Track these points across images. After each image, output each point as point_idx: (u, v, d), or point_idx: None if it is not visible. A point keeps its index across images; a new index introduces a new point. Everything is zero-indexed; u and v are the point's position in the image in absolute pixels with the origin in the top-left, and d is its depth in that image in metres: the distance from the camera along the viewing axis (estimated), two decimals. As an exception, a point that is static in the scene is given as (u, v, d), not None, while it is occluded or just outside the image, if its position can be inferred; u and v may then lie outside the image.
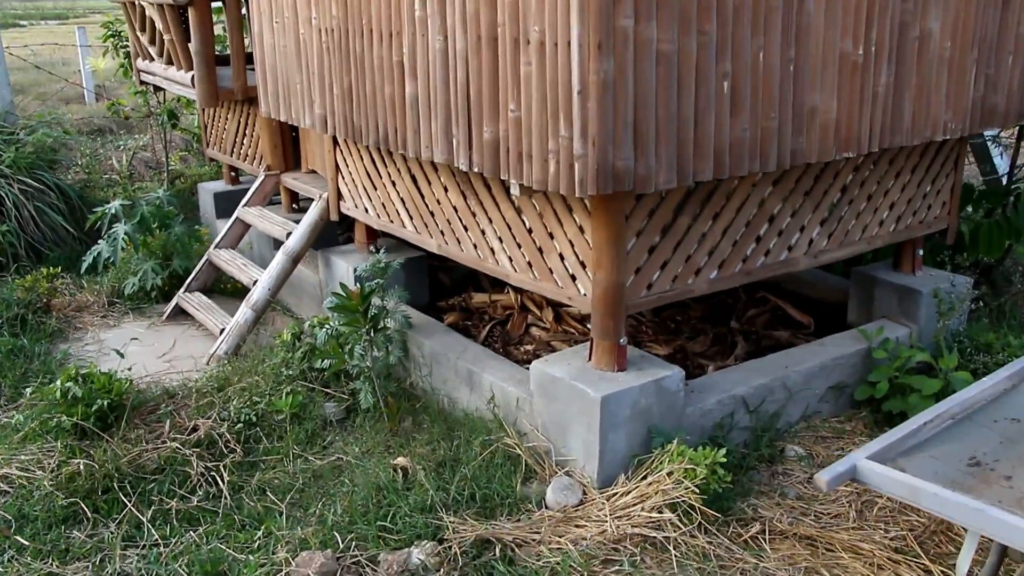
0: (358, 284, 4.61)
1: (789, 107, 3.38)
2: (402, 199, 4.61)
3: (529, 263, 3.83)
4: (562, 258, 3.65)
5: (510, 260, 3.93)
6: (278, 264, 5.20)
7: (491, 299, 5.39)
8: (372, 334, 4.04)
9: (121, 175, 8.44)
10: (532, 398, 3.76)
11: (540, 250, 3.75)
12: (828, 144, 3.58)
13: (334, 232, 6.15)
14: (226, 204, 6.85)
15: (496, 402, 3.97)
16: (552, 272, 3.72)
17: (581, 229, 3.50)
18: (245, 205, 5.94)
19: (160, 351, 5.24)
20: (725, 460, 3.33)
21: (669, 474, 3.33)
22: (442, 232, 4.36)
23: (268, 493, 3.70)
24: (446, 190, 4.24)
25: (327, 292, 5.30)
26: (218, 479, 3.75)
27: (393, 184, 4.66)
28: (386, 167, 4.68)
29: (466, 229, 4.18)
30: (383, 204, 4.79)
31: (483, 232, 4.06)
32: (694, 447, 3.65)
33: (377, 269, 4.39)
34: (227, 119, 6.75)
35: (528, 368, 3.86)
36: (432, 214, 4.41)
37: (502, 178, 3.42)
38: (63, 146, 8.13)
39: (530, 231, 3.79)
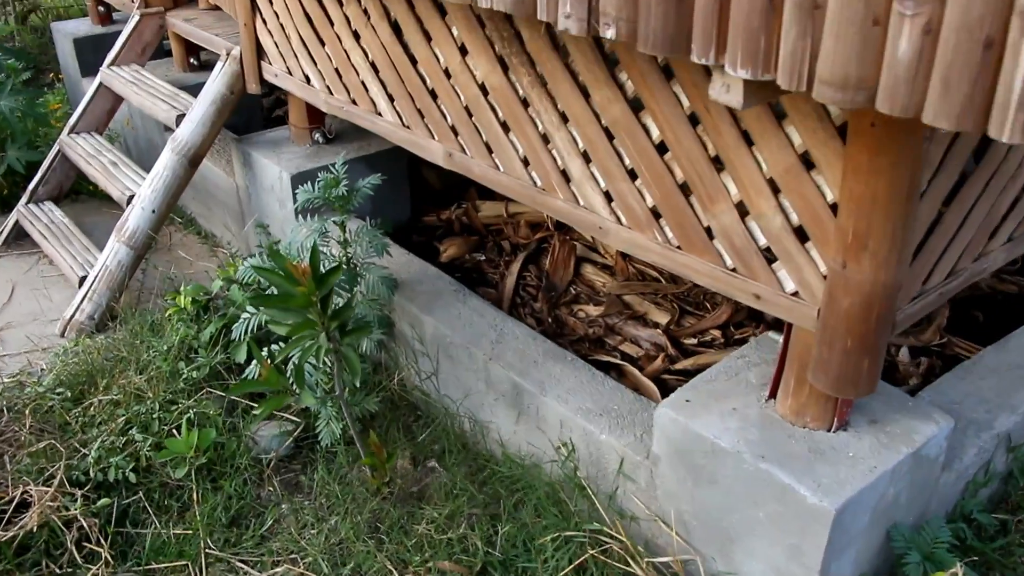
0: (300, 221, 2.67)
1: None
2: (373, 64, 2.60)
3: (654, 211, 1.93)
4: (744, 213, 1.76)
5: (608, 200, 2.02)
6: (166, 168, 3.18)
7: (508, 212, 3.50)
8: (339, 338, 2.13)
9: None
10: (657, 466, 1.98)
11: (684, 189, 1.85)
12: None
13: (257, 102, 4.09)
14: (94, 56, 4.67)
15: (576, 456, 2.18)
16: (713, 238, 1.83)
17: (806, 159, 1.60)
18: (113, 64, 3.81)
19: (-14, 310, 3.29)
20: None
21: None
22: (454, 130, 2.39)
23: (158, 667, 1.94)
24: (463, 52, 2.25)
25: (249, 206, 3.33)
26: (57, 643, 1.96)
27: (356, 37, 2.63)
28: (341, 5, 2.63)
29: (506, 129, 2.23)
30: (337, 71, 2.77)
31: (545, 138, 2.12)
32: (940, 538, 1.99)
33: (336, 197, 2.45)
34: (81, -77, 4.46)
35: (622, 379, 2.07)
36: (434, 95, 2.42)
37: (699, 61, 1.39)
38: None
39: (661, 148, 1.87)
